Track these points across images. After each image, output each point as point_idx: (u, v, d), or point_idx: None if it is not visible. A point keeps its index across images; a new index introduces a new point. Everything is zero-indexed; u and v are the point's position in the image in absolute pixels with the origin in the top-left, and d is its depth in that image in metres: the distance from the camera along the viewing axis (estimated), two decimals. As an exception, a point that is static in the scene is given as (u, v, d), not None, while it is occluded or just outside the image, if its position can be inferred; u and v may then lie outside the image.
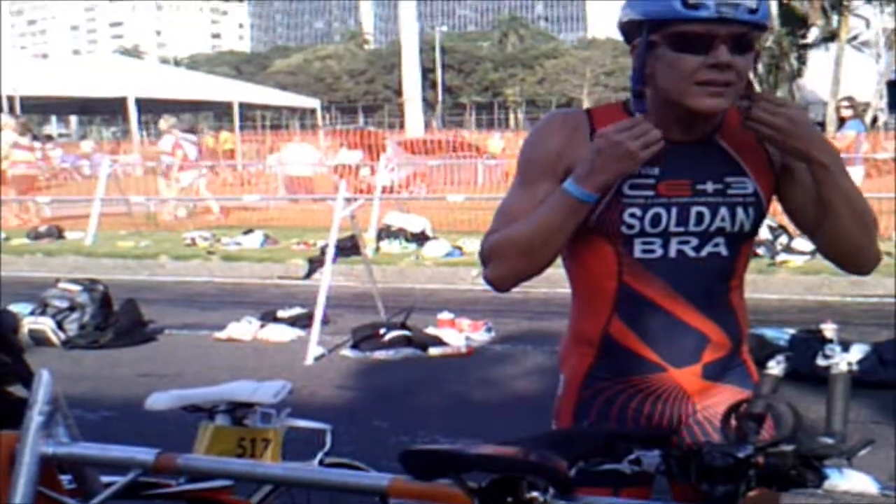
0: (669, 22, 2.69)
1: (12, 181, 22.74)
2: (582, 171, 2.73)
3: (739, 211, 2.84)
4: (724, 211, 2.83)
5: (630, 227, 2.80)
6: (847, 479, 2.43)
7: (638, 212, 2.80)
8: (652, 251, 2.83)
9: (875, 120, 36.49)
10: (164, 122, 24.65)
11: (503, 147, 32.27)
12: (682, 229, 2.82)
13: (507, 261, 2.85)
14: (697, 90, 2.71)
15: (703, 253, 2.85)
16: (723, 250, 2.86)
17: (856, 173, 17.68)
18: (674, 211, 2.81)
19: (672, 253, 2.83)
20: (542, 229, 2.78)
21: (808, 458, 2.33)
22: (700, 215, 2.82)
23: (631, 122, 2.73)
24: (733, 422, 2.44)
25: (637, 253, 2.83)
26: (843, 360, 2.61)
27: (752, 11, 2.69)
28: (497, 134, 39.07)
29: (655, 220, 2.80)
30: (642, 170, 2.78)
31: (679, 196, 2.81)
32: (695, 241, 2.83)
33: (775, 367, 2.55)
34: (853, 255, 2.94)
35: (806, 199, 2.88)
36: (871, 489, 2.54)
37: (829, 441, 2.38)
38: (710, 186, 2.82)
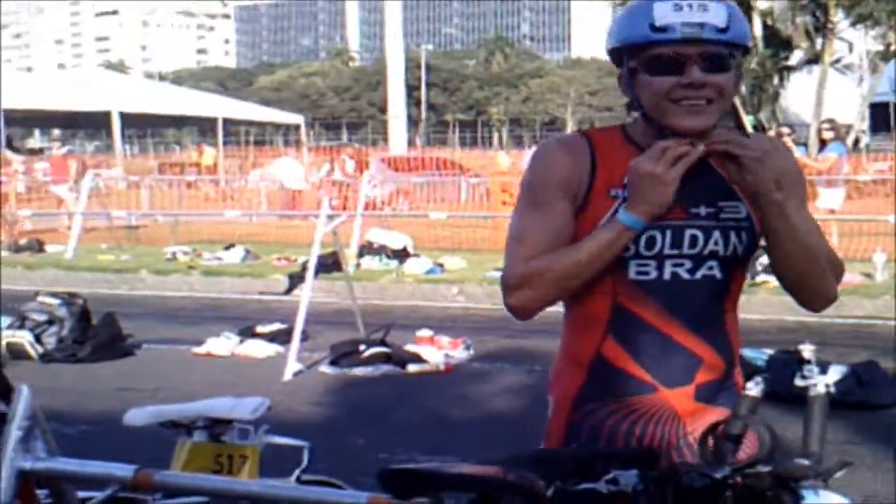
0: (643, 47, 2.77)
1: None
2: (630, 199, 2.77)
3: (732, 235, 2.85)
4: (717, 234, 2.84)
5: (626, 249, 2.80)
6: (823, 501, 2.43)
7: (651, 233, 2.81)
8: (646, 273, 2.84)
9: (857, 142, 36.65)
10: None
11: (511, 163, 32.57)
12: (676, 251, 2.83)
13: (543, 288, 2.84)
14: (676, 109, 2.76)
15: (698, 275, 2.85)
16: (717, 273, 2.86)
17: (837, 195, 17.77)
18: (668, 233, 2.81)
19: (666, 275, 2.84)
20: (590, 257, 2.79)
21: (785, 479, 2.35)
22: (694, 238, 2.83)
23: (655, 147, 2.76)
24: (710, 442, 2.44)
25: (632, 274, 2.84)
26: (821, 381, 2.61)
27: (721, 30, 2.74)
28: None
29: (650, 242, 2.81)
30: None
31: (673, 219, 2.81)
32: (689, 264, 2.84)
33: (753, 388, 2.56)
34: (799, 290, 2.98)
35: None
36: None
37: (806, 462, 2.39)
38: (703, 210, 2.84)
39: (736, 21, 2.78)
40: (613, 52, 2.89)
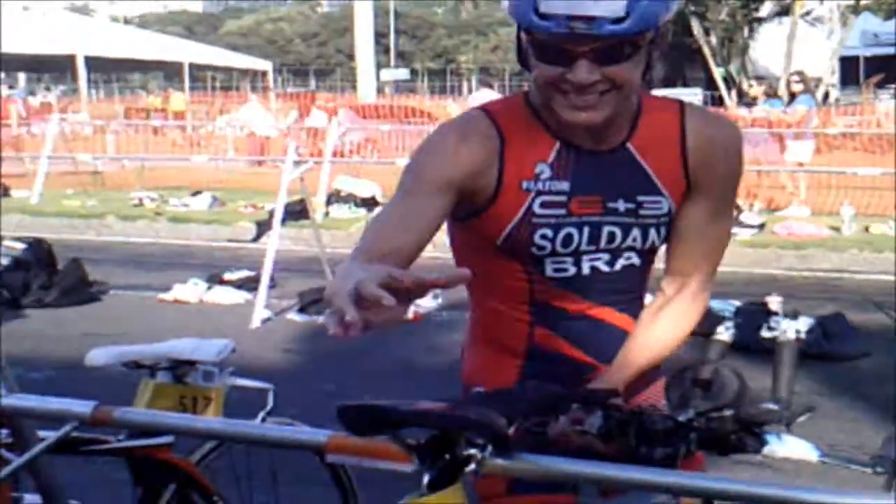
0: (527, 28, 2.49)
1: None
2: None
3: (652, 231, 2.72)
4: (636, 231, 2.70)
5: (541, 248, 2.66)
6: (786, 446, 2.44)
7: (549, 233, 2.64)
8: (564, 270, 2.71)
9: (826, 95, 36.71)
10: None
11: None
12: (593, 248, 2.69)
13: None
14: (562, 101, 2.52)
15: (617, 266, 2.74)
16: (635, 261, 2.75)
17: (806, 148, 17.81)
18: (585, 231, 2.66)
19: (585, 270, 2.71)
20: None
21: (748, 423, 2.34)
22: (612, 235, 2.69)
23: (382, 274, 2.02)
24: (677, 386, 2.44)
25: (549, 272, 2.70)
26: (791, 328, 2.62)
27: (618, 20, 2.40)
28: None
29: (567, 240, 2.66)
30: (553, 184, 2.62)
31: (591, 215, 2.66)
32: (607, 257, 2.72)
33: (724, 332, 2.58)
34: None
35: (681, 233, 2.77)
36: (811, 456, 2.55)
37: (771, 407, 2.37)
38: (621, 205, 2.67)
39: (638, 6, 2.40)
40: None
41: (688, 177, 2.71)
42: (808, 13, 41.81)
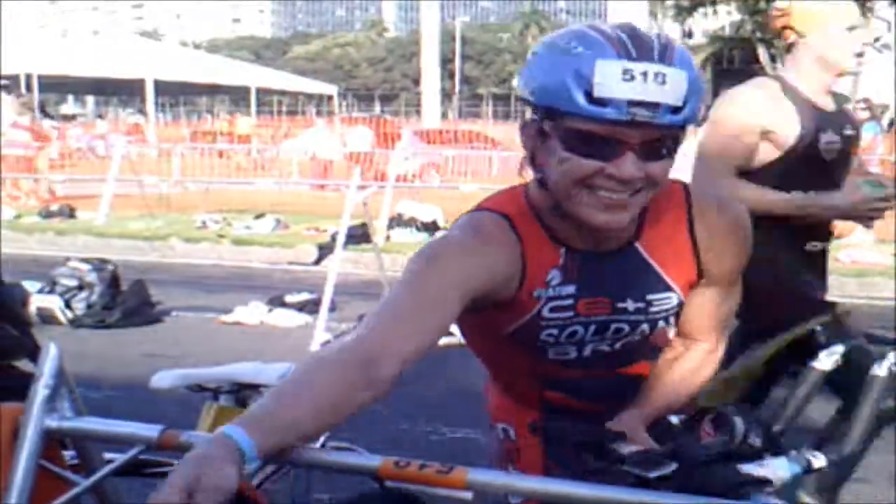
0: (565, 114, 2.23)
1: (4, 161, 22.46)
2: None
3: (661, 322, 2.66)
4: (644, 325, 2.63)
5: (544, 342, 2.60)
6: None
7: (555, 332, 2.57)
8: (566, 354, 2.65)
9: (892, 123, 36.35)
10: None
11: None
12: (598, 338, 2.62)
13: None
14: (590, 199, 2.31)
15: (618, 346, 2.67)
16: (638, 338, 2.69)
17: (870, 174, 17.62)
18: (592, 327, 2.59)
19: (587, 352, 2.66)
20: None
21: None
22: (619, 330, 2.62)
23: None
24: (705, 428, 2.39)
25: (551, 356, 2.65)
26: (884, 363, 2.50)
27: (676, 110, 2.21)
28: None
29: (572, 335, 2.59)
30: (561, 289, 2.52)
31: (598, 314, 2.57)
32: (610, 342, 2.66)
33: (825, 360, 2.51)
34: None
35: (692, 311, 2.74)
36: None
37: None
38: (630, 305, 2.58)
39: (694, 93, 2.23)
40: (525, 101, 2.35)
41: (699, 268, 2.63)
42: (876, 39, 41.52)
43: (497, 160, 25.46)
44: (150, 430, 2.40)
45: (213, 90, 52.67)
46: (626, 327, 2.61)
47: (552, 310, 2.53)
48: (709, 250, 2.60)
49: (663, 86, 2.15)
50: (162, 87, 42.43)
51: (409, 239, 16.73)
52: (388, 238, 16.51)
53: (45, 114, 33.20)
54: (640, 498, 2.03)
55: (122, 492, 2.86)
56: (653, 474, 2.21)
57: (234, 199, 21.64)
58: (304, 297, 11.79)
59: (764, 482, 2.12)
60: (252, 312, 11.27)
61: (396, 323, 2.29)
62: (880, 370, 4.04)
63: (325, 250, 14.96)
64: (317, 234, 17.20)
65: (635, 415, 2.69)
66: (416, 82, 55.59)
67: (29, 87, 35.77)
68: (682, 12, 55.33)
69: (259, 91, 45.10)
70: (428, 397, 8.46)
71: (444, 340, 8.04)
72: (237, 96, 50.23)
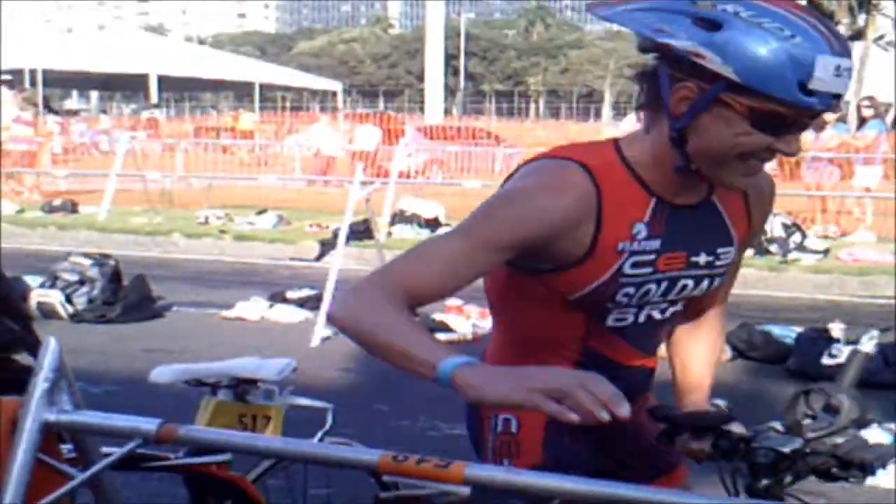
0: (761, 95, 2.31)
1: (7, 157, 22.46)
2: (482, 374, 2.19)
3: (717, 280, 2.72)
4: (705, 282, 2.69)
5: (617, 303, 2.60)
6: (892, 477, 2.48)
7: (632, 290, 2.59)
8: (624, 319, 2.66)
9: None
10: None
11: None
12: (661, 299, 2.66)
13: (361, 335, 2.38)
14: (740, 166, 2.43)
15: (668, 314, 2.72)
16: (680, 308, 2.75)
17: (874, 173, 17.66)
18: (664, 284, 2.62)
19: (641, 318, 2.68)
20: (399, 361, 2.31)
21: (852, 462, 2.40)
22: (684, 287, 2.66)
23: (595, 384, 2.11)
24: (801, 409, 2.50)
25: (609, 322, 2.65)
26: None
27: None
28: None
29: (645, 294, 2.62)
30: (646, 244, 2.55)
31: (672, 270, 2.62)
32: (664, 306, 2.69)
33: (867, 342, 2.68)
34: None
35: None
36: None
37: (867, 455, 2.45)
38: (703, 258, 2.65)
39: None
40: (702, 69, 2.35)
41: (750, 224, 2.76)
42: (881, 37, 41.41)
43: (500, 157, 25.46)
44: (149, 424, 2.41)
45: (217, 86, 52.67)
46: (691, 283, 2.66)
47: (634, 265, 2.55)
48: (756, 207, 2.75)
49: (849, 79, 2.32)
50: (166, 83, 42.48)
51: (411, 235, 16.74)
52: (389, 234, 16.54)
53: (48, 109, 33.19)
54: (638, 494, 2.03)
55: (118, 485, 2.87)
56: (787, 448, 2.40)
57: (237, 194, 21.66)
58: (306, 292, 11.81)
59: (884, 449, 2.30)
60: (253, 308, 11.29)
61: (441, 268, 2.41)
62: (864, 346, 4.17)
63: (326, 246, 14.97)
64: (319, 231, 17.22)
65: (701, 395, 2.90)
66: (420, 79, 55.53)
67: (33, 83, 35.82)
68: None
69: (263, 87, 45.14)
70: (426, 393, 8.44)
71: (441, 337, 8.09)
72: (241, 92, 50.25)
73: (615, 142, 2.60)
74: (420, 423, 7.62)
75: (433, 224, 17.14)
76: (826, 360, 8.90)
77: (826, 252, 14.89)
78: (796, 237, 14.88)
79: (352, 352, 9.84)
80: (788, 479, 2.44)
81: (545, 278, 2.57)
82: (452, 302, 10.87)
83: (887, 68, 40.86)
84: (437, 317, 10.53)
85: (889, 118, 28.38)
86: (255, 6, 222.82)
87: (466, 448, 2.91)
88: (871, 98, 19.73)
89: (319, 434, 4.28)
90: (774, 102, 2.30)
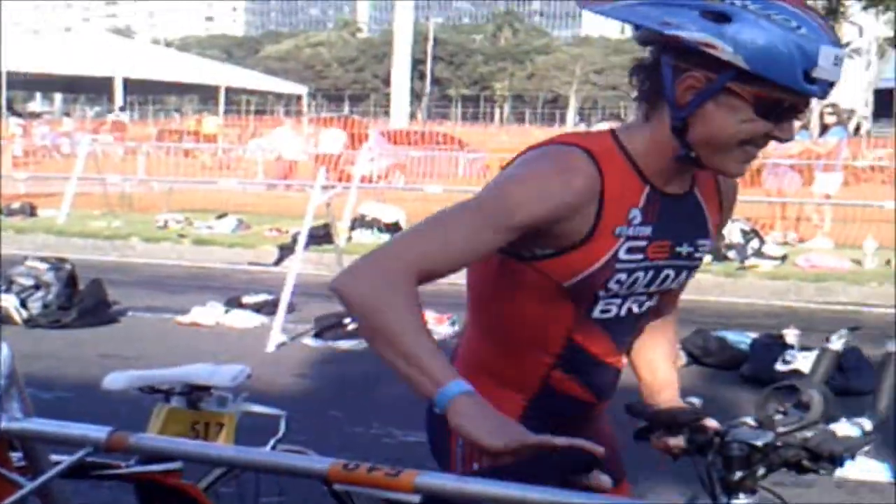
0: (765, 82, 2.41)
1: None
2: (482, 418, 2.26)
3: (692, 273, 2.79)
4: (684, 274, 2.75)
5: (608, 290, 2.64)
6: (860, 468, 2.60)
7: (624, 277, 2.63)
8: (609, 311, 2.69)
9: (858, 128, 36.57)
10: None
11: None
12: (644, 290, 2.70)
13: (367, 318, 2.42)
14: (738, 153, 2.51)
15: (644, 308, 2.76)
16: (655, 303, 2.80)
17: (835, 180, 17.75)
18: (650, 273, 2.67)
19: (623, 311, 2.71)
20: (404, 372, 2.36)
21: (822, 454, 2.51)
22: (666, 277, 2.71)
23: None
24: (772, 405, 2.63)
25: (595, 313, 2.68)
26: (891, 342, 2.74)
27: None
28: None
29: (633, 283, 2.66)
30: (640, 230, 2.61)
31: (659, 259, 2.67)
32: (643, 299, 2.73)
33: (836, 342, 2.74)
34: None
35: None
36: (885, 478, 2.68)
37: (850, 434, 2.56)
38: (685, 249, 2.71)
39: None
40: (706, 56, 2.43)
41: (720, 220, 2.86)
42: (847, 44, 41.69)
43: (463, 161, 25.46)
44: (99, 432, 2.38)
45: (182, 89, 52.54)
46: (673, 273, 2.71)
47: (629, 250, 2.60)
48: (726, 203, 2.85)
49: (842, 69, 2.43)
50: (131, 86, 42.28)
51: (371, 240, 16.73)
52: (349, 239, 16.49)
53: (11, 111, 33.02)
54: (591, 502, 2.04)
55: (68, 494, 2.85)
56: (759, 441, 2.53)
57: (198, 198, 21.60)
58: (262, 297, 11.78)
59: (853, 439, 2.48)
60: (209, 313, 11.25)
61: (446, 244, 2.46)
62: (891, 347, 4.33)
63: (285, 251, 14.95)
64: (278, 235, 17.20)
65: (673, 393, 2.97)
66: (387, 83, 55.53)
67: (-4, 85, 35.61)
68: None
69: (228, 90, 44.99)
70: (381, 400, 8.45)
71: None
72: (206, 95, 50.03)
73: (612, 131, 2.66)
74: (374, 429, 7.60)
75: (393, 229, 17.13)
76: (780, 367, 8.93)
77: (784, 258, 14.95)
78: (754, 243, 14.94)
79: (307, 357, 9.84)
80: (761, 471, 2.54)
81: (543, 264, 2.60)
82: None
83: (852, 75, 41.14)
84: (394, 322, 10.50)
85: (851, 125, 28.59)
86: (223, 9, 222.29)
87: (421, 455, 2.91)
88: (834, 105, 19.84)
89: (272, 441, 4.26)
90: (779, 90, 2.40)
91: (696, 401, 2.95)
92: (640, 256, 2.62)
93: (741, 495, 2.57)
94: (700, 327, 9.85)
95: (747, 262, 14.43)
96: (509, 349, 2.75)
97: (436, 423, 2.82)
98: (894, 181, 17.93)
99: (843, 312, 12.39)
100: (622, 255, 2.59)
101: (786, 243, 16.31)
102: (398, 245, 2.50)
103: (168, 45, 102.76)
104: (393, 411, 8.14)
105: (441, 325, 10.81)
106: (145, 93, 54.13)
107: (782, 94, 2.42)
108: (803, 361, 8.92)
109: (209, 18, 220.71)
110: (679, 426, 2.71)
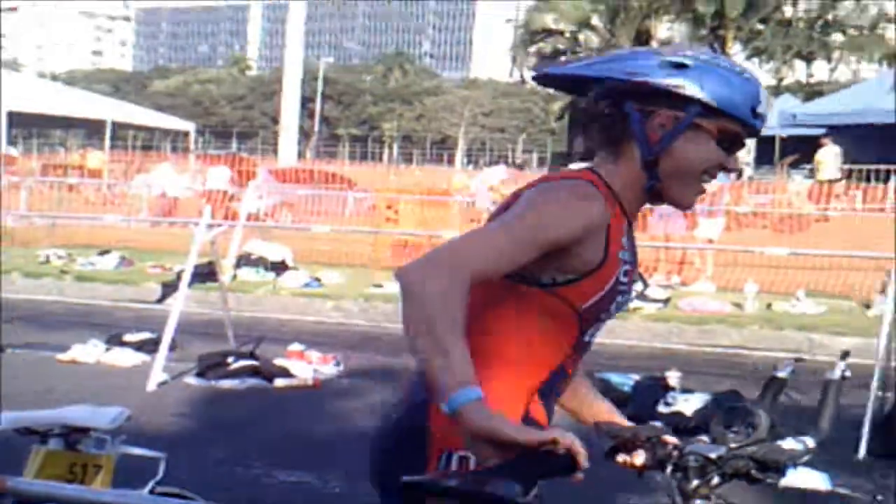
0: (726, 116, 2.75)
1: None
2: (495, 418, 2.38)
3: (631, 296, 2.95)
4: (628, 298, 2.91)
5: (607, 313, 2.83)
6: (802, 477, 2.85)
7: (620, 299, 2.83)
8: (595, 334, 2.90)
9: (740, 174, 37.21)
10: None
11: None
12: (614, 313, 2.87)
13: (415, 312, 2.50)
14: (697, 187, 2.82)
15: (599, 333, 2.92)
16: (601, 328, 2.94)
17: (716, 224, 18.02)
18: (624, 297, 2.85)
19: (590, 336, 2.88)
20: (432, 371, 2.45)
21: (769, 463, 2.81)
22: (626, 301, 2.88)
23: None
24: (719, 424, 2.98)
25: (587, 336, 2.86)
26: (838, 367, 3.02)
27: None
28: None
29: (620, 305, 2.85)
30: (627, 255, 2.83)
31: (629, 283, 2.86)
32: (605, 322, 2.89)
33: (783, 371, 3.03)
34: None
35: None
36: (824, 486, 2.97)
37: (794, 447, 2.87)
38: (636, 274, 2.91)
39: None
40: (677, 96, 2.74)
41: None
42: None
43: (351, 201, 25.42)
44: None
45: (68, 123, 51.79)
46: (628, 297, 2.88)
47: (625, 273, 2.82)
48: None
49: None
50: (16, 119, 41.60)
51: (255, 278, 16.65)
52: (235, 277, 16.36)
53: None
54: None
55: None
56: (713, 454, 2.82)
57: (81, 234, 21.27)
58: (145, 335, 11.61)
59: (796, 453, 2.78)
60: (89, 351, 11.07)
61: (498, 257, 2.62)
62: (833, 375, 4.69)
63: (169, 288, 14.78)
64: (162, 272, 16.99)
65: (619, 415, 3.15)
66: (276, 121, 55.32)
67: None
68: (544, 60, 56.25)
69: (115, 125, 44.45)
70: (263, 441, 8.38)
71: (281, 383, 8.04)
72: (93, 130, 49.40)
73: (592, 170, 2.87)
74: (255, 470, 7.52)
75: (280, 267, 17.05)
76: (662, 408, 9.03)
77: (667, 301, 15.13)
78: (638, 286, 15.11)
79: (188, 397, 9.72)
80: (716, 480, 2.82)
81: (564, 290, 2.76)
82: (294, 347, 10.80)
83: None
84: (279, 362, 10.43)
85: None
86: (111, 43, 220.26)
87: (300, 495, 2.89)
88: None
89: (151, 484, 4.21)
90: (737, 124, 2.76)
91: (676, 374, 3.33)
92: (626, 280, 2.83)
93: (697, 502, 2.82)
94: (585, 369, 9.90)
95: (630, 305, 14.57)
96: (501, 380, 2.77)
97: (407, 453, 2.79)
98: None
99: (724, 355, 12.57)
100: (622, 278, 2.81)
101: (669, 286, 16.50)
102: (464, 247, 2.64)
103: (54, 78, 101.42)
104: (274, 452, 8.08)
105: (326, 365, 10.77)
106: (30, 126, 53.33)
107: (738, 128, 2.77)
108: (684, 404, 9.04)
109: (97, 53, 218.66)
110: (642, 442, 2.91)
